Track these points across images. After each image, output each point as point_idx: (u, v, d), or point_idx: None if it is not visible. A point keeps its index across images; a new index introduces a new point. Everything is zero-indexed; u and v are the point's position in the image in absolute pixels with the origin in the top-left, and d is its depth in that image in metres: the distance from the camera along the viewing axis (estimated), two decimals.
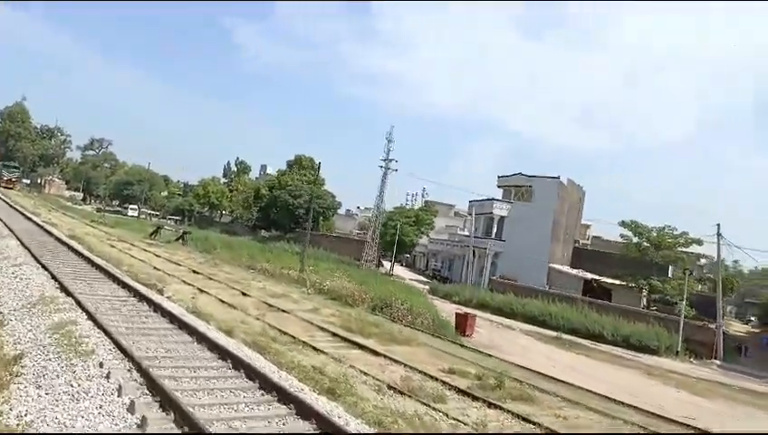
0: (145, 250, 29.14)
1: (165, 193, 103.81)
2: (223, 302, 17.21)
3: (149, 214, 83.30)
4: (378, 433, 7.87)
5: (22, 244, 19.43)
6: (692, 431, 12.79)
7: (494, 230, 50.61)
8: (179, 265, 25.48)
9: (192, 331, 10.87)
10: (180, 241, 38.17)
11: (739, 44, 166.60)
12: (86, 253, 21.22)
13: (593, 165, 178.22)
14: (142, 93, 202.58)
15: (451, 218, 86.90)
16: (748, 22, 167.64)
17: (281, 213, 69.25)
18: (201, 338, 10.39)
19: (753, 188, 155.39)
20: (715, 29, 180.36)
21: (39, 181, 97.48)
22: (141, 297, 13.50)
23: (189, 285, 19.50)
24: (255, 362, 9.78)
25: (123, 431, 6.06)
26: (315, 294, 23.79)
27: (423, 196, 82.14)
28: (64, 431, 5.94)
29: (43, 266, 15.54)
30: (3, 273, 14.30)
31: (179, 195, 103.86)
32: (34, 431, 5.93)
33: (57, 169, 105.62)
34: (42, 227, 27.67)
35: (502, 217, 50.54)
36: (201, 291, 18.66)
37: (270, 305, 18.09)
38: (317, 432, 6.80)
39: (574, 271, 48.00)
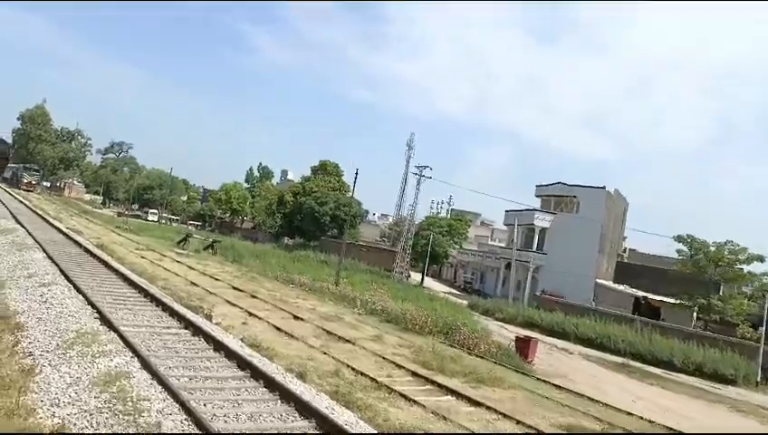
0: (177, 261, 27.03)
1: (184, 198, 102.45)
2: (278, 329, 14.90)
3: (169, 218, 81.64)
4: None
5: (48, 256, 17.32)
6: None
7: (535, 242, 47.95)
8: (216, 279, 23.29)
9: (268, 380, 8.56)
10: (210, 250, 36.07)
11: (748, 50, 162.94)
12: (117, 266, 19.10)
13: (599, 170, 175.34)
14: (149, 96, 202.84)
15: (477, 227, 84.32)
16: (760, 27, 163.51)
17: (306, 220, 67.11)
18: (283, 393, 8.08)
19: (755, 196, 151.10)
20: (720, 34, 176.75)
21: (59, 184, 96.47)
22: (194, 328, 11.22)
23: (235, 306, 17.25)
24: (359, 428, 7.43)
25: None
26: (366, 315, 21.44)
27: (449, 203, 79.55)
28: None
29: (75, 287, 13.35)
30: (29, 295, 12.10)
31: (198, 199, 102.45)
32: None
33: (77, 172, 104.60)
34: (67, 235, 25.65)
35: (543, 229, 47.90)
36: (250, 314, 16.39)
37: (329, 333, 15.75)
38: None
39: (620, 287, 45.21)
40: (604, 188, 46.58)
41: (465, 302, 43.02)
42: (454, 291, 56.46)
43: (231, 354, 9.70)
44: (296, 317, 17.45)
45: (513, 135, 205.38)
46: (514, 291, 48.41)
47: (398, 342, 16.45)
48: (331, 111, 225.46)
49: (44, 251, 18.31)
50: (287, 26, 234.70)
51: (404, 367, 13.30)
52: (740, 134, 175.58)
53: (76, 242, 23.67)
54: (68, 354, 8.45)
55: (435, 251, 52.16)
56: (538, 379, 16.08)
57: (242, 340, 12.52)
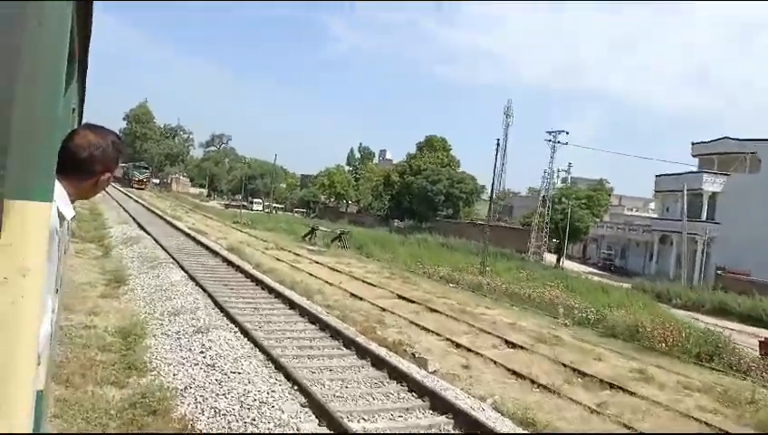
0: (315, 262, 23.30)
1: (284, 185, 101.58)
2: (515, 374, 10.26)
3: (274, 207, 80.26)
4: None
5: (189, 276, 13.73)
6: None
7: (704, 210, 40.44)
8: (370, 283, 19.19)
9: None
10: (338, 243, 32.43)
11: None
12: (264, 278, 15.39)
13: (702, 127, 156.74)
14: (237, 90, 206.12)
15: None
16: None
17: (416, 200, 62.73)
18: None
19: None
20: None
21: (167, 180, 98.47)
22: (450, 411, 6.79)
23: (429, 332, 12.84)
24: None
25: None
26: (576, 326, 16.45)
27: (568, 172, 71.57)
28: None
29: (243, 331, 9.37)
30: (185, 354, 8.16)
31: (297, 186, 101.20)
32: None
33: (182, 166, 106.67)
34: (194, 239, 22.66)
35: (714, 194, 40.26)
36: (456, 345, 11.91)
37: (577, 371, 10.93)
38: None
39: None
40: None
41: (616, 284, 36.67)
42: (591, 269, 49.98)
43: None
44: (510, 343, 12.78)
45: (607, 99, 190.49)
46: (674, 268, 41.43)
47: (677, 380, 11.35)
48: (413, 90, 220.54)
49: (182, 267, 14.81)
50: (361, 12, 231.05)
51: None
52: None
53: (207, 248, 20.46)
54: None
55: (574, 226, 45.92)
56: None
57: (496, 409, 8.03)
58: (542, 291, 23.16)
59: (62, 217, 1.63)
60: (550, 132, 43.76)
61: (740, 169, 40.42)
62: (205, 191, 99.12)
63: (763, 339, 18.22)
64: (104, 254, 17.21)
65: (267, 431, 6.12)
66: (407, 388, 7.57)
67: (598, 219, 50.35)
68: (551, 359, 11.68)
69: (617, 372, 11.41)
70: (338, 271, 21.36)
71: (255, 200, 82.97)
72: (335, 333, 10.03)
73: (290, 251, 26.05)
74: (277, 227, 43.14)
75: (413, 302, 16.49)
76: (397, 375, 7.96)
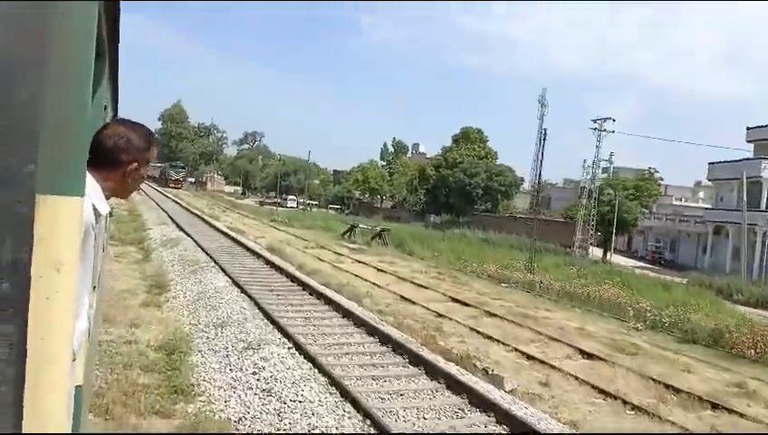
0: (358, 261, 22.36)
1: (317, 181, 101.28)
2: (604, 393, 9.05)
3: (309, 204, 79.85)
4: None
5: (233, 282, 12.90)
6: None
7: (764, 199, 38.05)
8: (419, 284, 18.14)
9: None
10: (378, 240, 31.46)
11: None
12: (309, 280, 14.44)
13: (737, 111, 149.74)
14: (267, 88, 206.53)
15: None
16: None
17: (453, 194, 61.31)
18: None
19: None
20: None
21: (202, 179, 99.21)
22: None
23: (493, 340, 11.72)
24: None
25: None
26: (649, 330, 15.07)
27: (610, 162, 69.00)
28: None
29: (297, 346, 8.41)
30: (236, 375, 7.26)
31: (330, 182, 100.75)
32: None
33: (216, 165, 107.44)
34: (234, 240, 21.95)
35: None
36: (527, 356, 10.76)
37: (675, 390, 9.64)
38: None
39: None
40: None
41: (673, 280, 34.68)
42: (639, 263, 47.81)
43: None
44: (585, 353, 11.56)
45: (636, 83, 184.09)
46: (731, 261, 39.21)
47: None
48: (442, 82, 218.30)
49: (224, 271, 14.00)
50: (384, 5, 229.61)
51: None
52: None
53: (247, 248, 19.72)
54: None
55: (621, 218, 43.91)
56: None
57: None
58: (596, 289, 21.76)
59: (97, 214, 1.61)
60: (595, 120, 41.83)
61: None
62: (239, 189, 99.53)
63: None
64: (144, 257, 16.59)
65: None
66: (494, 419, 6.48)
67: (646, 210, 48.12)
68: (635, 372, 10.42)
69: (713, 387, 10.11)
70: (383, 271, 20.37)
71: (290, 197, 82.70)
72: (397, 347, 8.99)
73: (330, 250, 25.18)
74: (314, 225, 42.42)
75: (468, 305, 15.36)
76: (479, 402, 6.87)
